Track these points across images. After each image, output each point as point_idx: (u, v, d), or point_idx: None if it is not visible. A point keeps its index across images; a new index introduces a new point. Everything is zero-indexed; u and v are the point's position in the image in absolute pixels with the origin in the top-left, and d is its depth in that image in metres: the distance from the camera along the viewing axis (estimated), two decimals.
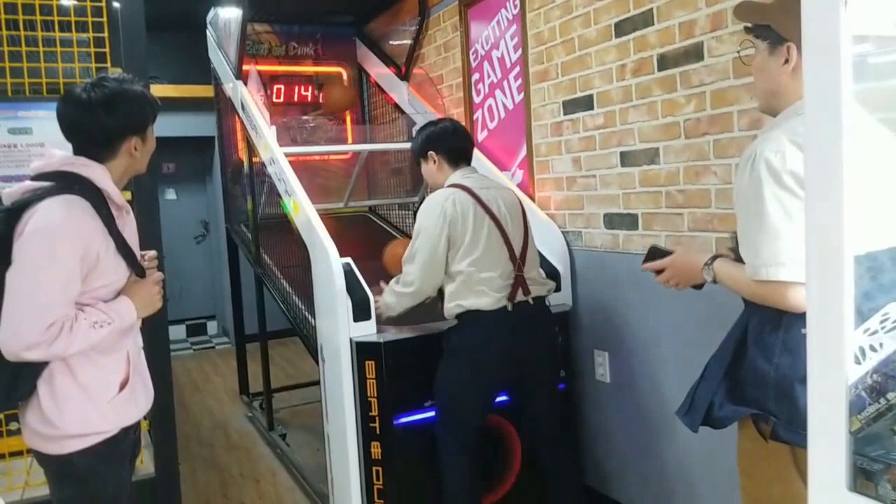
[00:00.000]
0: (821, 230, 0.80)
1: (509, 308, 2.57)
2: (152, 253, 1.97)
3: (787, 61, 1.64)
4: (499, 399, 2.82)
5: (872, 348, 0.79)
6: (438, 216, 2.57)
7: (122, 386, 1.83)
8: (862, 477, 0.78)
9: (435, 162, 2.76)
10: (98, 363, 1.78)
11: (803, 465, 1.61)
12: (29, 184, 1.73)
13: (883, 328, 0.79)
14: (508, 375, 2.67)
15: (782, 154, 1.53)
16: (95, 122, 1.76)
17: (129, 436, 1.89)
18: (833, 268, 0.79)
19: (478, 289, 2.55)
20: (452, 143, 2.76)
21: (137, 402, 1.90)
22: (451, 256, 2.60)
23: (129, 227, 1.86)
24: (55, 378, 1.73)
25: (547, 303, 2.77)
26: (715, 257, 1.77)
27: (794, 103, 1.65)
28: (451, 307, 2.61)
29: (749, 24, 1.73)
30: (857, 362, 0.79)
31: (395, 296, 2.72)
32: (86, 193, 1.72)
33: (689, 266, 1.84)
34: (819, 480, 0.83)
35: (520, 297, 2.60)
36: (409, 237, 4.35)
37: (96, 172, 1.76)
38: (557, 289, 3.12)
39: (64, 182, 1.72)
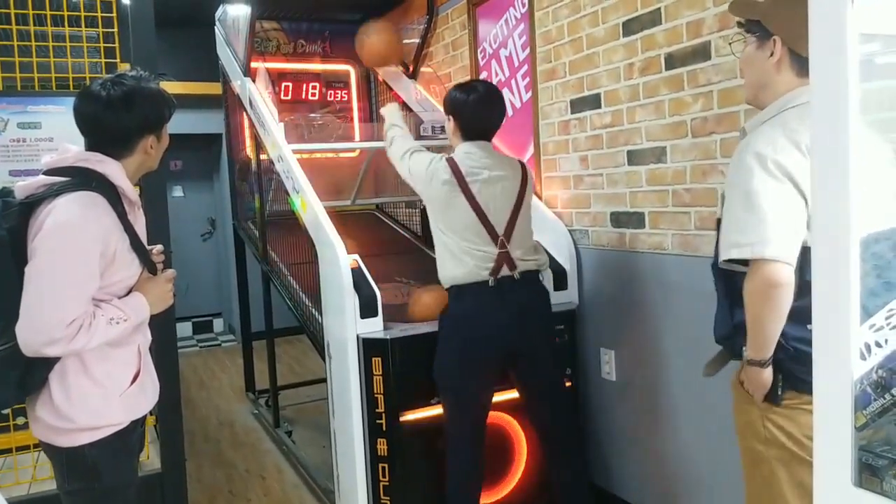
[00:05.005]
0: (827, 232, 0.81)
1: (491, 283, 2.60)
2: (159, 247, 1.98)
3: (772, 54, 1.71)
4: (505, 396, 2.84)
5: (878, 344, 0.79)
6: (428, 160, 2.72)
7: (134, 379, 1.84)
8: (867, 472, 0.79)
9: (452, 126, 2.75)
10: (110, 357, 1.79)
11: (797, 466, 1.65)
12: (43, 178, 1.73)
13: (888, 324, 0.80)
14: (501, 350, 2.66)
15: (773, 146, 1.60)
16: (114, 120, 1.77)
17: (137, 429, 1.91)
18: (839, 266, 0.79)
19: (459, 257, 2.62)
20: (470, 118, 2.70)
21: (147, 395, 1.91)
22: (431, 213, 2.71)
23: (139, 224, 1.86)
24: (68, 372, 1.74)
25: (540, 277, 2.78)
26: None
27: (780, 96, 1.71)
28: (440, 273, 2.70)
29: (741, 20, 1.81)
30: (863, 358, 0.79)
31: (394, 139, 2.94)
32: (102, 190, 1.72)
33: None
34: (824, 476, 0.84)
35: (505, 272, 2.63)
36: (418, 236, 4.37)
37: (111, 168, 1.76)
38: (563, 287, 3.12)
39: (80, 178, 1.72)
